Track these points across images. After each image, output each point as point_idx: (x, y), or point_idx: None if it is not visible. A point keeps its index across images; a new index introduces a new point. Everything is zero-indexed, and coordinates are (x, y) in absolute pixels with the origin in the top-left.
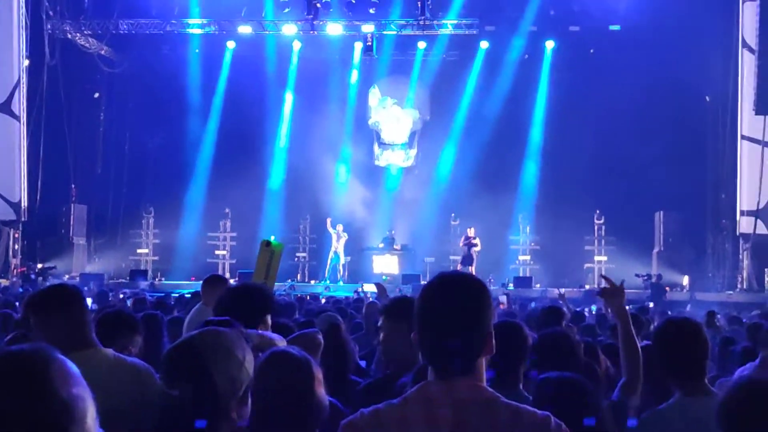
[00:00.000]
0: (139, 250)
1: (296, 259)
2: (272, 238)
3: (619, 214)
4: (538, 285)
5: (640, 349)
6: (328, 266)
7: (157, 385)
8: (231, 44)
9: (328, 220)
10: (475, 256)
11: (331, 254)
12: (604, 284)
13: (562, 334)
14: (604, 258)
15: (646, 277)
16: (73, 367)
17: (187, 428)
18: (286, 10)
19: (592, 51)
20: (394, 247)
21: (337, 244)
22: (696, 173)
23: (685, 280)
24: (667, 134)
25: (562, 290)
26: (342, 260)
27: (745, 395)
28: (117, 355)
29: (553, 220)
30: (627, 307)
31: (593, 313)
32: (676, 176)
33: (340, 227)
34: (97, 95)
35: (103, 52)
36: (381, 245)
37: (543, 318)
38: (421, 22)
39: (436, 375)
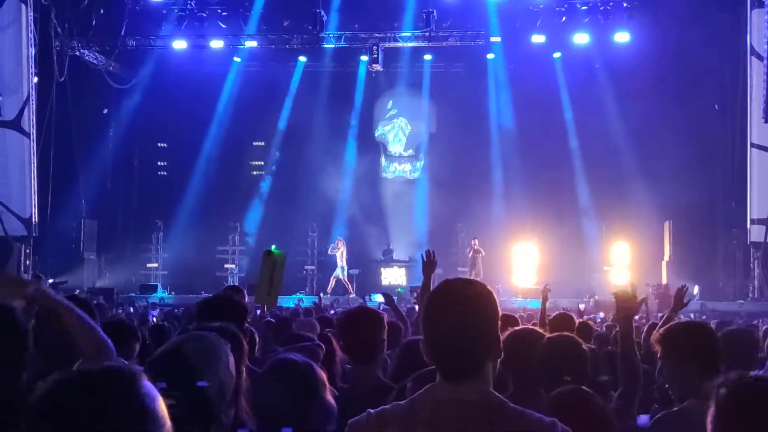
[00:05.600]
0: (149, 265)
1: (304, 272)
2: (273, 247)
3: (629, 223)
4: None
5: (639, 360)
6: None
7: None
8: (237, 59)
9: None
10: (481, 266)
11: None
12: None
13: None
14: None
15: (655, 287)
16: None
17: None
18: (286, 23)
19: (597, 66)
20: (394, 258)
21: (341, 258)
22: (706, 182)
23: (696, 290)
24: (677, 143)
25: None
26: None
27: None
28: None
29: (562, 229)
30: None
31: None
32: (686, 185)
33: (340, 241)
34: (105, 111)
35: (111, 69)
36: (381, 258)
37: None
38: (427, 35)
39: (443, 377)
